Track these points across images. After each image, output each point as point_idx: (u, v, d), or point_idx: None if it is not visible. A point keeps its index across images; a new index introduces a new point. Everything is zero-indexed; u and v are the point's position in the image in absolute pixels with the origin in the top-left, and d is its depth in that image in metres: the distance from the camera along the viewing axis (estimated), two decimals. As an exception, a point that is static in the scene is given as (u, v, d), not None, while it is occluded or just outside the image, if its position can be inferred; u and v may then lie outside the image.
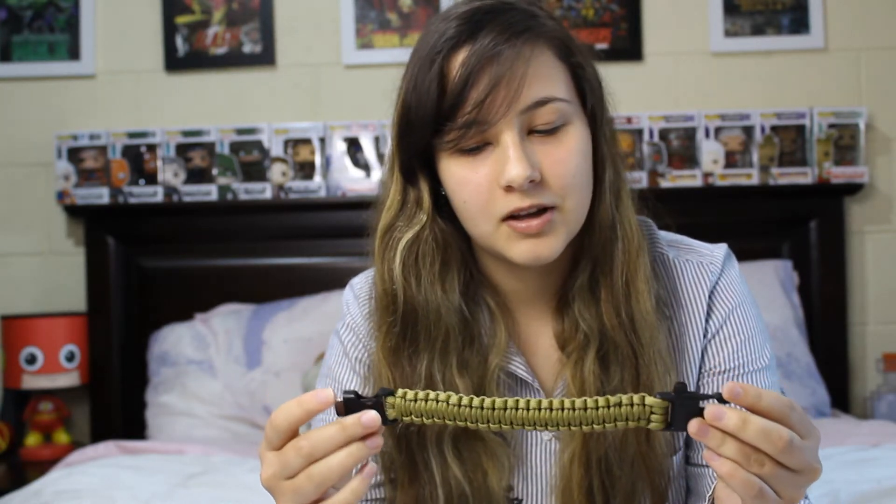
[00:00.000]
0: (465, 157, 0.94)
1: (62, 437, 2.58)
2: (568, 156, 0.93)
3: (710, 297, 1.03)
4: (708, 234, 1.14)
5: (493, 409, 0.77)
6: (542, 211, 0.92)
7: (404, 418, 0.78)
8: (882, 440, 2.03)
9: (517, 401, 0.77)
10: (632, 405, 0.75)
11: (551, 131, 0.93)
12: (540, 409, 0.76)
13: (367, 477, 0.78)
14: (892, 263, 2.72)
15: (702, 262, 1.05)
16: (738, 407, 0.74)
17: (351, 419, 0.76)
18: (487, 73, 0.90)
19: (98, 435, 2.59)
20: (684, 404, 0.75)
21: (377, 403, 0.78)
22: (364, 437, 0.77)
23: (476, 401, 0.77)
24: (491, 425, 0.77)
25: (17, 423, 2.63)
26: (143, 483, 1.84)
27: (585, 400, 0.76)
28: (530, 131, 0.93)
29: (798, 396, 2.33)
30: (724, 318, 1.03)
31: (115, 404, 2.64)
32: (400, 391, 0.78)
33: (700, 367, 1.03)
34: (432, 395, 0.78)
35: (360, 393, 0.79)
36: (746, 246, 2.24)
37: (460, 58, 0.91)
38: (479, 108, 0.90)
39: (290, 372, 2.37)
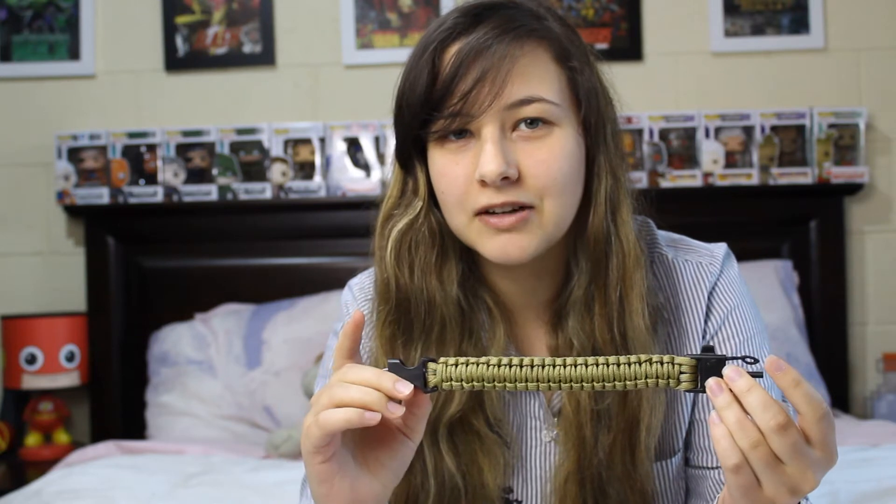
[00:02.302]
0: (449, 148, 0.94)
1: (62, 437, 2.58)
2: (550, 157, 0.92)
3: (709, 297, 1.03)
4: (708, 234, 1.14)
5: (532, 366, 0.79)
6: (518, 209, 0.92)
7: (444, 384, 0.81)
8: (882, 440, 2.03)
9: (553, 359, 0.79)
10: (661, 363, 0.77)
11: (535, 132, 0.92)
12: (576, 366, 0.78)
13: (366, 416, 0.78)
14: (892, 263, 2.72)
15: (701, 262, 1.04)
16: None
17: (391, 375, 0.79)
18: (475, 66, 0.90)
19: (98, 435, 2.59)
20: (712, 366, 0.76)
21: (420, 371, 0.81)
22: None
23: (515, 360, 0.80)
24: (529, 385, 0.79)
25: (17, 423, 2.63)
26: (143, 483, 1.84)
27: (618, 357, 0.78)
28: (515, 130, 0.92)
29: (798, 396, 2.33)
30: (723, 319, 1.03)
31: (115, 404, 2.64)
32: (442, 358, 0.81)
33: (699, 368, 1.03)
34: (472, 359, 0.80)
35: (403, 362, 0.82)
36: (746, 246, 2.24)
37: (453, 49, 0.92)
38: (464, 100, 0.90)
39: (290, 372, 2.37)
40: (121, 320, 2.66)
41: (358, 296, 1.09)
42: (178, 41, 2.74)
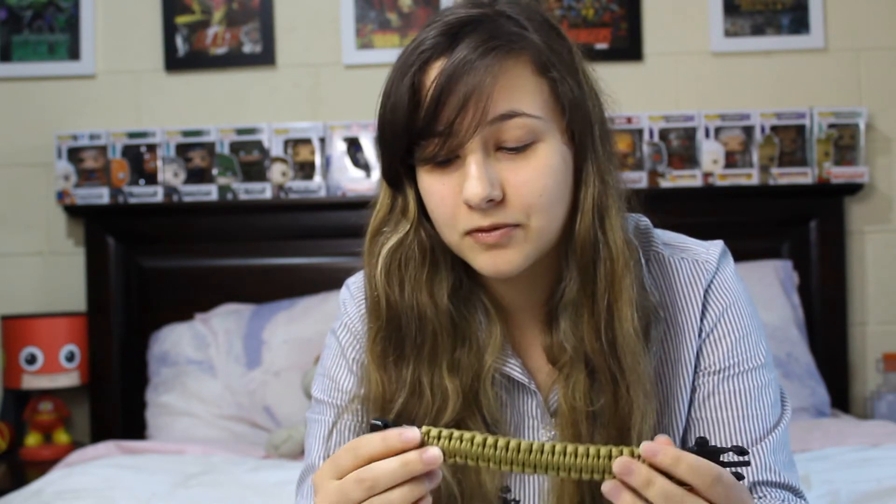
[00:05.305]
0: (436, 169, 0.93)
1: (62, 437, 2.58)
2: (535, 175, 0.91)
3: (705, 295, 1.02)
4: (708, 234, 1.14)
5: (519, 451, 0.78)
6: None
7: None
8: (882, 440, 2.03)
9: (542, 444, 0.78)
10: (639, 457, 0.76)
11: (519, 149, 0.91)
12: (565, 455, 0.77)
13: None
14: (892, 263, 2.72)
15: (697, 260, 1.04)
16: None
17: (413, 456, 0.77)
18: (457, 89, 0.88)
19: (98, 435, 2.59)
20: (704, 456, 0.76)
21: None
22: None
23: (490, 439, 0.78)
24: (514, 467, 0.78)
25: (17, 423, 2.63)
26: (143, 483, 1.84)
27: (611, 448, 0.77)
28: (499, 148, 0.91)
29: (798, 396, 2.33)
30: (719, 317, 1.02)
31: (115, 404, 2.64)
32: (424, 428, 0.79)
33: (696, 367, 1.02)
34: (456, 433, 0.79)
35: (388, 421, 0.80)
36: (746, 246, 2.24)
37: (433, 73, 0.90)
38: (450, 125, 0.89)
39: (289, 372, 2.37)
40: (121, 320, 2.66)
41: (356, 294, 1.09)
42: (178, 41, 2.74)
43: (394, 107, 0.92)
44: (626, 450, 0.76)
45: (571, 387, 0.96)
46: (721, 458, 0.76)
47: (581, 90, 0.95)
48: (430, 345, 0.97)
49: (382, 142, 0.95)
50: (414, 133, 0.91)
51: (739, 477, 0.78)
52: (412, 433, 0.78)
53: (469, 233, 0.92)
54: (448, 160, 0.92)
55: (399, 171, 0.96)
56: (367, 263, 1.00)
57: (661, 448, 0.75)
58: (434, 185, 0.93)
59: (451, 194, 0.92)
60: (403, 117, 0.91)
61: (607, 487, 0.76)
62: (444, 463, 0.79)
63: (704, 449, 0.76)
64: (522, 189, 0.91)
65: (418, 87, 0.90)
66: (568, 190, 0.95)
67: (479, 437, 0.78)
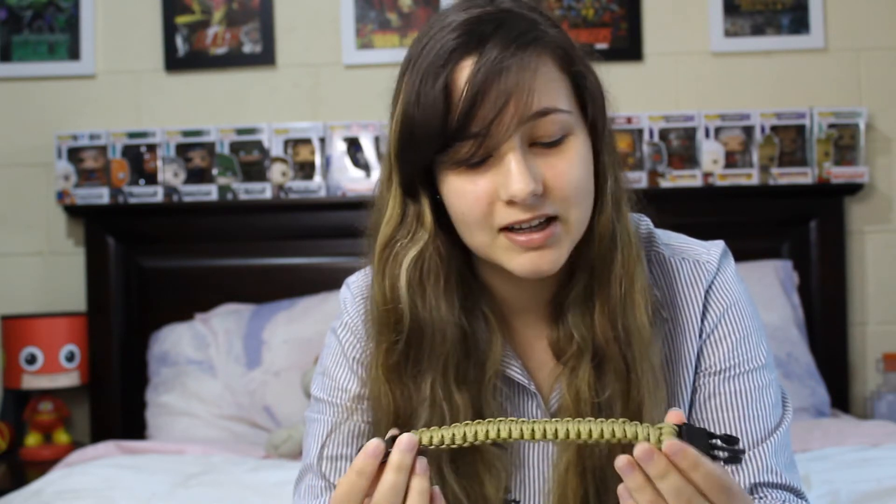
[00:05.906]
0: (468, 171, 0.91)
1: (62, 437, 2.58)
2: (570, 167, 0.91)
3: (705, 295, 1.02)
4: (708, 234, 1.14)
5: (515, 423, 0.80)
6: (544, 224, 0.91)
7: (431, 446, 0.82)
8: (882, 440, 2.03)
9: (523, 420, 0.81)
10: (640, 426, 0.78)
11: (553, 143, 0.91)
12: (553, 423, 0.79)
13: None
14: (892, 263, 2.72)
15: (698, 259, 1.04)
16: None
17: (397, 456, 0.80)
18: (495, 89, 0.87)
19: (98, 435, 2.59)
20: (693, 437, 0.76)
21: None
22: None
23: (495, 421, 0.81)
24: (501, 433, 0.80)
25: (17, 423, 2.63)
26: (143, 483, 1.84)
27: (602, 421, 0.78)
28: (533, 143, 0.91)
29: (798, 396, 2.33)
30: (719, 317, 1.02)
31: (115, 404, 2.64)
32: (416, 430, 0.82)
33: (696, 368, 1.02)
34: (447, 426, 0.81)
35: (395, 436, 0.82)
36: (746, 246, 2.24)
37: (466, 72, 0.88)
38: (487, 125, 0.88)
39: (289, 372, 2.37)
40: (121, 320, 2.66)
41: (356, 294, 1.08)
42: (178, 41, 2.74)
43: (425, 110, 0.89)
44: (644, 423, 0.77)
45: (577, 379, 0.96)
46: (711, 442, 0.76)
47: (598, 84, 0.96)
48: (444, 357, 0.96)
49: (410, 147, 0.92)
50: (448, 135, 0.89)
51: (734, 460, 0.78)
52: (374, 443, 0.80)
53: (504, 231, 0.92)
54: (482, 160, 0.91)
55: (416, 178, 0.94)
56: (380, 273, 0.97)
57: (684, 449, 0.74)
58: (466, 186, 0.91)
59: (485, 194, 0.91)
60: (437, 120, 0.89)
61: (621, 463, 0.76)
62: (439, 448, 0.82)
63: (692, 429, 0.76)
64: (560, 180, 0.91)
65: (451, 89, 0.88)
66: (593, 182, 0.95)
67: (472, 423, 0.81)
